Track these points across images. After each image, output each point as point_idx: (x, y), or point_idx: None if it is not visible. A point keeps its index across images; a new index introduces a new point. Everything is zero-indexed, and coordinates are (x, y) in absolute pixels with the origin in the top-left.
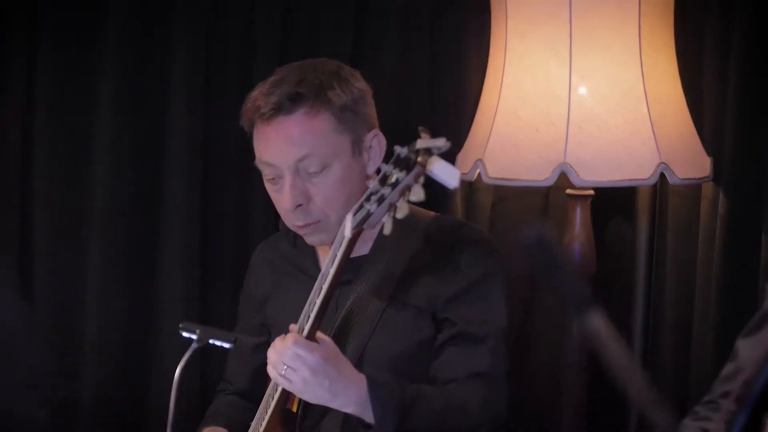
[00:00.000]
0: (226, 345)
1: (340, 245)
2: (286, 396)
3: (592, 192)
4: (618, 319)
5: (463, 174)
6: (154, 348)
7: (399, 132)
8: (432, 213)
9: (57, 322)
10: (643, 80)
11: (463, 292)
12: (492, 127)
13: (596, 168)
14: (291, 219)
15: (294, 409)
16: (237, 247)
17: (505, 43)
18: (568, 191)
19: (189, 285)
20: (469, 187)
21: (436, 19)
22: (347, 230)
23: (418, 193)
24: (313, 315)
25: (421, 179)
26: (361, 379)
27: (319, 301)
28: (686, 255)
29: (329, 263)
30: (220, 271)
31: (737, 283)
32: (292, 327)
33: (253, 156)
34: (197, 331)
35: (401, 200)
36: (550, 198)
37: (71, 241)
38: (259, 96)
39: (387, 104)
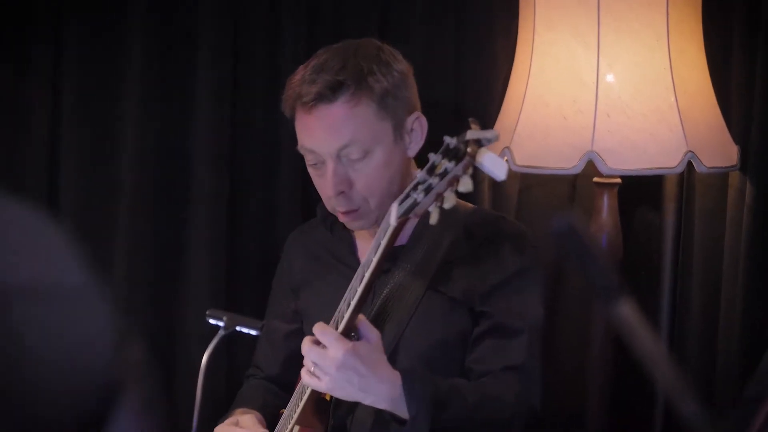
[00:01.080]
0: (253, 332)
1: (385, 233)
2: None
3: (619, 180)
4: (645, 306)
5: None
6: (181, 335)
7: (427, 118)
8: (471, 205)
9: None
10: (671, 68)
11: (501, 285)
12: (519, 115)
13: (623, 156)
14: (333, 204)
15: (327, 398)
16: (264, 235)
17: (533, 31)
18: (596, 179)
19: (215, 272)
20: None
21: (462, 7)
22: (393, 218)
23: (466, 184)
24: (354, 302)
25: (470, 170)
26: (395, 376)
27: (360, 289)
28: (713, 243)
29: (372, 251)
30: (247, 258)
31: (764, 271)
32: (318, 325)
33: (281, 142)
34: (224, 318)
35: (449, 191)
36: (577, 186)
37: (97, 230)
38: (300, 83)
39: None
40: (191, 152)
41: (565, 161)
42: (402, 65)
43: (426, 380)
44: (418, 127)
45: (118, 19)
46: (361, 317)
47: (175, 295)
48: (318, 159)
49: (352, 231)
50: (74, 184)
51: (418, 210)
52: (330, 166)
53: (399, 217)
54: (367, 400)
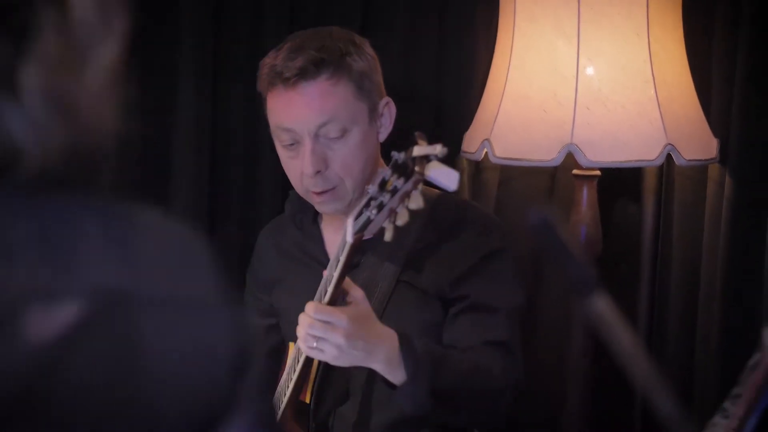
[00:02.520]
0: None
1: (343, 249)
2: (300, 387)
3: (598, 173)
4: (623, 299)
5: (470, 153)
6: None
7: (407, 114)
8: (437, 191)
9: None
10: (651, 61)
11: (470, 270)
12: (499, 107)
13: (603, 148)
14: (307, 185)
15: (307, 400)
16: (245, 231)
17: (514, 24)
18: (575, 172)
19: None
20: (476, 166)
21: (444, 0)
22: (349, 235)
23: (417, 200)
24: (334, 280)
25: (420, 186)
26: (392, 335)
27: (343, 259)
28: (692, 236)
29: (332, 266)
30: (228, 258)
31: (743, 265)
32: (310, 304)
33: (261, 130)
34: None
35: (401, 207)
36: (557, 178)
37: None
38: (279, 61)
39: (393, 85)
40: (172, 156)
41: (544, 153)
42: (371, 51)
43: (421, 342)
44: (387, 113)
45: None
46: (346, 280)
47: None
48: (294, 138)
49: (321, 226)
50: None
51: (372, 227)
52: (308, 144)
53: (354, 234)
54: (368, 362)
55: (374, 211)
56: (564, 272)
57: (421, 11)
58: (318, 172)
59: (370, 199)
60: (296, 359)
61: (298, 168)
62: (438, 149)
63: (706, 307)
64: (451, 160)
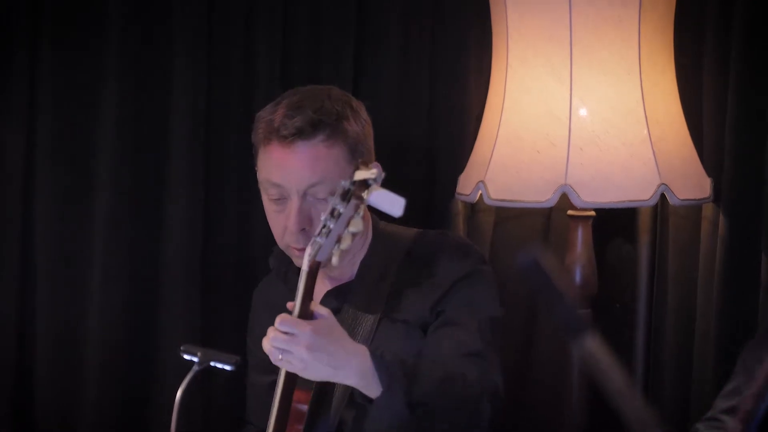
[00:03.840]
0: (228, 367)
1: (301, 279)
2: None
3: (593, 213)
4: (620, 338)
5: (465, 195)
6: (156, 371)
7: (401, 158)
8: (415, 230)
9: (58, 342)
10: (643, 101)
11: (447, 293)
12: (493, 149)
13: (597, 189)
14: (289, 240)
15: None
16: (238, 268)
17: (506, 65)
18: (570, 212)
19: (191, 306)
20: (471, 208)
21: (436, 42)
22: (305, 264)
23: (356, 224)
24: (299, 297)
25: (361, 210)
26: (362, 350)
27: (302, 286)
28: (687, 275)
29: (297, 294)
30: (222, 292)
31: (737, 303)
32: (280, 317)
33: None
34: (198, 353)
35: (345, 231)
36: (552, 219)
37: (72, 261)
38: (278, 117)
39: (387, 129)
40: (166, 186)
41: (539, 194)
42: (366, 115)
43: (393, 356)
44: None
45: (92, 39)
46: (312, 302)
47: (150, 330)
48: (282, 194)
49: None
50: (49, 213)
51: (323, 253)
52: (295, 202)
53: (308, 261)
54: (338, 377)
55: (323, 238)
56: (554, 313)
57: (413, 54)
58: (302, 230)
59: (322, 226)
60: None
61: (282, 222)
62: (374, 172)
63: (702, 347)
64: (446, 202)
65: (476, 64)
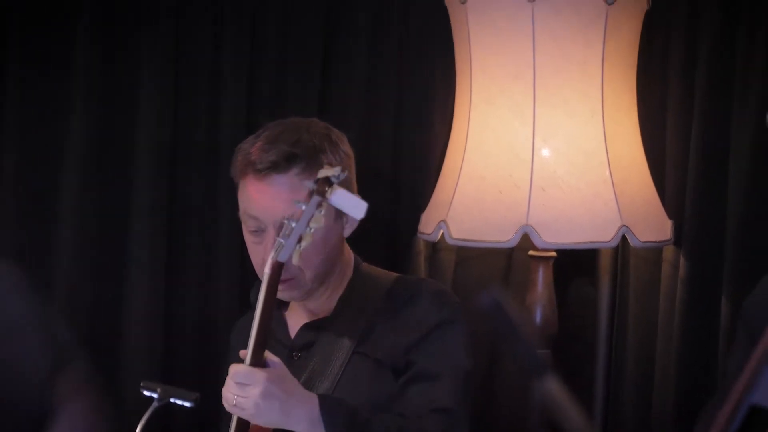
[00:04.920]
0: (188, 404)
1: (263, 280)
2: None
3: (554, 253)
4: (580, 379)
5: (426, 234)
6: (115, 407)
7: (365, 193)
8: (395, 274)
9: None
10: (606, 143)
11: (422, 338)
12: (456, 188)
13: (558, 230)
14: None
15: None
16: (201, 302)
17: (470, 103)
18: (531, 252)
19: (152, 344)
20: (433, 247)
21: (401, 78)
22: (267, 266)
23: (318, 221)
24: (251, 343)
25: (323, 208)
26: (312, 398)
27: (255, 327)
28: (647, 317)
29: (251, 337)
30: (185, 329)
31: (697, 346)
32: (232, 366)
33: (220, 212)
34: (158, 389)
35: (307, 229)
36: (513, 259)
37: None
38: (254, 151)
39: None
40: (130, 222)
41: (500, 234)
42: (347, 148)
43: (343, 403)
44: None
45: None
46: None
47: (110, 367)
48: (259, 226)
49: (284, 310)
50: (10, 250)
51: (285, 253)
52: (271, 234)
53: (271, 263)
54: (289, 424)
55: (286, 238)
56: (514, 353)
57: (378, 90)
58: None
59: (285, 227)
60: None
61: (260, 254)
62: (336, 171)
63: (662, 387)
64: (408, 240)
65: (442, 99)
